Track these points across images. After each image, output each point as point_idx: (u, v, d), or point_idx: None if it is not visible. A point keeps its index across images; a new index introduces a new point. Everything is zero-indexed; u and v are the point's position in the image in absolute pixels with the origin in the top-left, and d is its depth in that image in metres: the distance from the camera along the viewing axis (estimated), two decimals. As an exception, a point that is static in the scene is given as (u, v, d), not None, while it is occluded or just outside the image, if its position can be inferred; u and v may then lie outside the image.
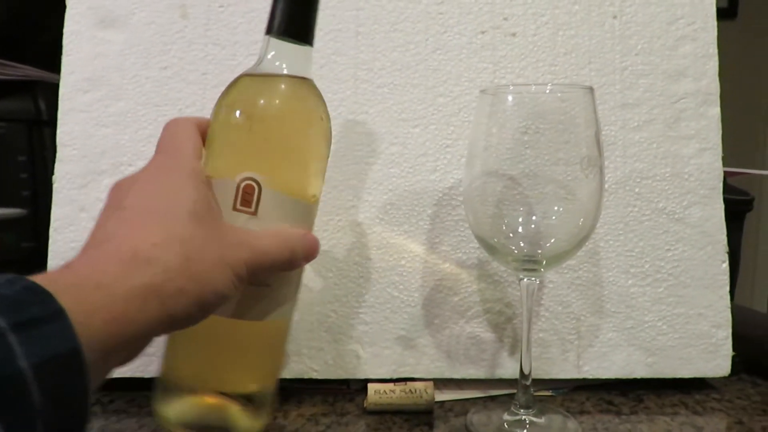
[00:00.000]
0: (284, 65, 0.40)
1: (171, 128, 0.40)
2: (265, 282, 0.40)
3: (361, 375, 0.52)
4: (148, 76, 0.53)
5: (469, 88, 0.54)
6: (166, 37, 0.53)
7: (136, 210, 0.35)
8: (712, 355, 0.54)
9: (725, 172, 0.79)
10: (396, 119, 0.54)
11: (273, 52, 0.40)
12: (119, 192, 0.36)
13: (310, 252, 0.41)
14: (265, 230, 0.38)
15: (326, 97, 0.52)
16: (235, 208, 0.39)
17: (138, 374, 0.51)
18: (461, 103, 0.54)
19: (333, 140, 0.53)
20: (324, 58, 0.54)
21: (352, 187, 0.53)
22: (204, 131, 0.40)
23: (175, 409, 0.42)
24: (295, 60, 0.41)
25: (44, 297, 0.27)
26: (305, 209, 0.42)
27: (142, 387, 0.52)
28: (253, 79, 0.41)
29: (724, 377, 0.54)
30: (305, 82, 0.42)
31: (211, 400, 0.42)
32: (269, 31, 0.40)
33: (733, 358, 0.55)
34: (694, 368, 0.54)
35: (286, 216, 0.40)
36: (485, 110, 0.44)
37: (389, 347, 0.53)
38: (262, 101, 0.40)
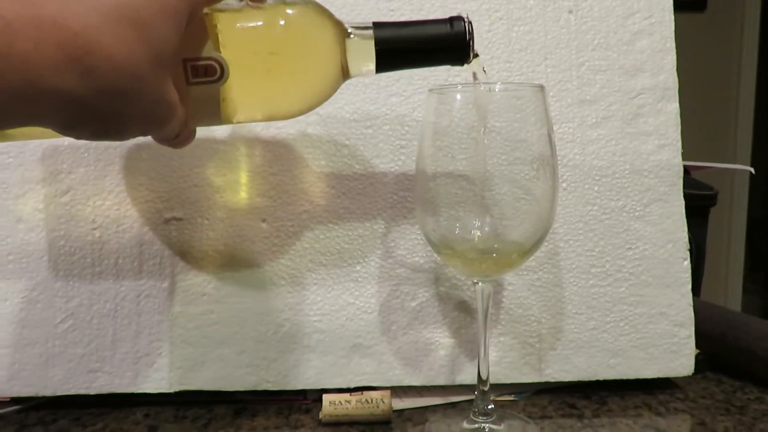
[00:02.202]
0: None
1: None
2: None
3: (317, 385, 0.51)
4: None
5: (422, 87, 0.52)
6: None
7: None
8: (675, 354, 0.53)
9: (691, 167, 0.78)
10: (348, 120, 0.52)
11: None
12: None
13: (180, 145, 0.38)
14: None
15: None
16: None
17: (83, 391, 0.49)
18: (414, 103, 0.52)
19: (283, 144, 0.51)
20: (272, 58, 0.52)
21: (304, 191, 0.51)
22: None
23: None
24: None
25: None
26: (213, 121, 0.39)
27: (87, 404, 0.50)
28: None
29: (689, 376, 0.53)
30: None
31: None
32: None
33: (698, 356, 0.55)
34: (657, 368, 0.53)
35: (197, 110, 0.37)
36: (433, 110, 0.42)
37: (345, 356, 0.51)
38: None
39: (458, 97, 0.42)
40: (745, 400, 0.52)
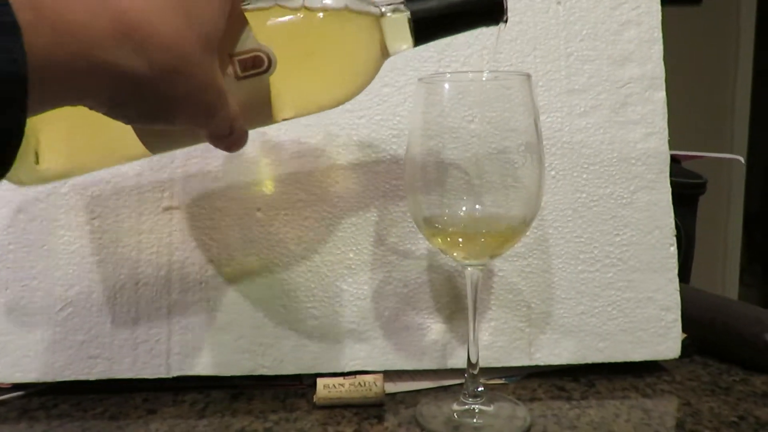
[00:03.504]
0: None
1: None
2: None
3: (312, 370, 0.52)
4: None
5: (414, 78, 0.53)
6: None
7: None
8: (662, 338, 0.54)
9: (681, 156, 0.80)
10: (341, 110, 0.53)
11: None
12: None
13: (234, 147, 0.38)
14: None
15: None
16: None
17: (83, 377, 0.51)
18: (407, 93, 0.53)
19: (278, 132, 0.52)
20: (266, 50, 0.53)
21: (298, 180, 0.52)
22: None
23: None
24: None
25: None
26: (265, 119, 0.39)
27: (88, 390, 0.51)
28: None
29: (676, 359, 0.55)
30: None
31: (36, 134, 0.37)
32: None
33: (685, 340, 0.56)
34: (645, 351, 0.54)
35: (249, 108, 0.37)
36: (423, 99, 0.43)
37: (340, 341, 0.52)
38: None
39: (447, 86, 0.43)
40: (730, 381, 0.53)
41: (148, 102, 0.31)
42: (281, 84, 0.38)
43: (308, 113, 0.41)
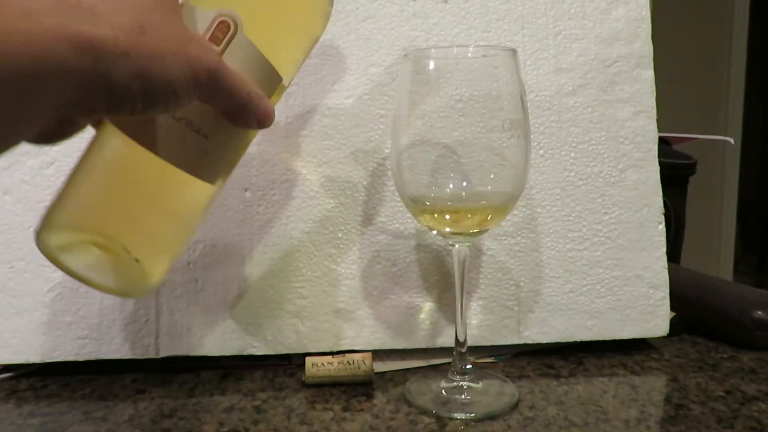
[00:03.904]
0: None
1: None
2: (204, 130, 0.37)
3: (301, 349, 0.52)
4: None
5: (401, 57, 0.53)
6: None
7: None
8: (650, 315, 0.54)
9: (672, 138, 0.80)
10: (328, 90, 0.53)
11: None
12: None
13: (265, 114, 0.37)
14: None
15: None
16: None
17: (71, 358, 0.51)
18: (394, 73, 0.53)
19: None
20: (252, 29, 0.53)
21: (285, 160, 0.52)
22: None
23: (62, 241, 0.36)
24: None
25: None
26: (271, 75, 0.39)
27: (77, 371, 0.51)
28: None
29: (664, 337, 0.55)
30: None
31: (103, 244, 0.37)
32: None
33: (674, 319, 0.56)
34: (633, 329, 0.54)
35: (250, 72, 0.37)
36: (409, 75, 0.43)
37: (329, 320, 0.52)
38: None
39: (432, 64, 0.43)
40: (718, 358, 0.53)
41: (134, 70, 0.29)
42: (268, 36, 0.37)
43: (303, 58, 0.41)
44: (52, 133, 0.35)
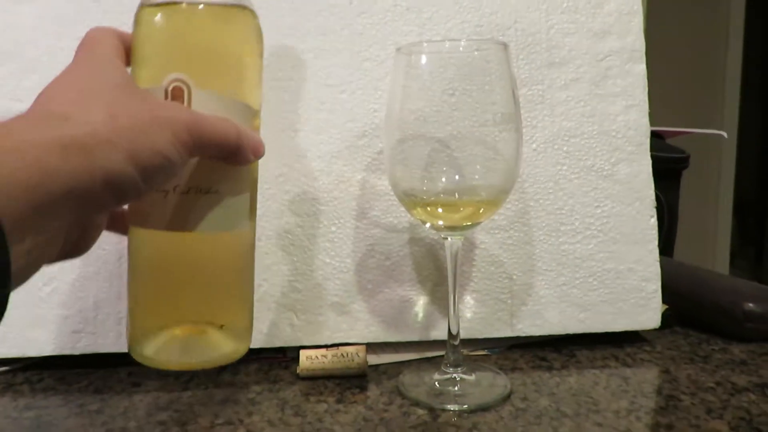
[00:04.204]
0: None
1: (90, 33, 0.38)
2: (213, 187, 0.38)
3: (296, 343, 0.52)
4: (62, 47, 0.51)
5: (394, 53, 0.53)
6: (79, 6, 0.52)
7: (55, 89, 0.33)
8: (642, 308, 0.55)
9: (665, 133, 0.80)
10: (322, 85, 0.53)
11: None
12: (37, 97, 0.34)
13: (258, 145, 0.39)
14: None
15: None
16: None
17: (67, 352, 0.51)
18: (388, 67, 0.53)
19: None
20: (246, 24, 0.53)
21: (280, 155, 0.53)
22: (127, 43, 0.39)
23: (152, 347, 0.40)
24: None
25: None
26: (243, 111, 0.40)
27: (73, 365, 0.51)
28: None
29: (656, 330, 0.55)
30: None
31: (185, 330, 0.40)
32: None
33: (666, 311, 0.56)
34: (625, 322, 0.55)
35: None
36: (402, 70, 0.44)
37: (323, 314, 0.53)
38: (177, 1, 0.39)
39: (425, 59, 0.43)
40: (709, 350, 0.54)
41: (122, 155, 0.31)
42: (221, 80, 0.39)
43: (259, 67, 0.43)
44: (77, 244, 0.37)
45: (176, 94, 0.37)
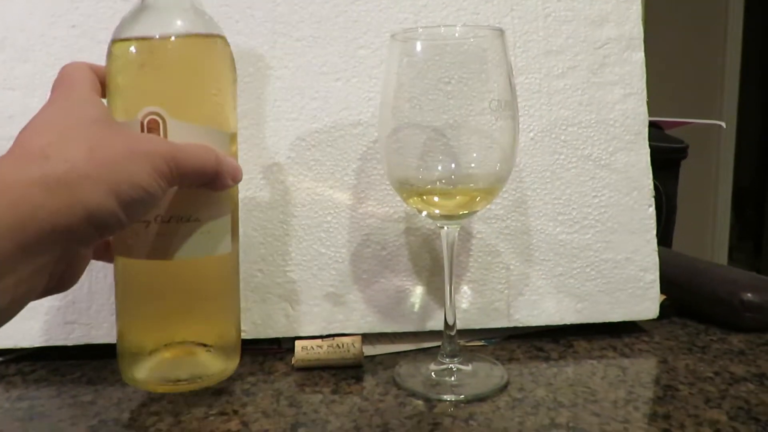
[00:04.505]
0: None
1: (65, 70, 0.39)
2: (193, 214, 0.40)
3: (291, 333, 0.52)
4: (55, 35, 0.51)
5: (389, 40, 0.53)
6: (71, -6, 0.51)
7: (35, 128, 0.34)
8: (640, 298, 0.54)
9: (664, 123, 0.79)
10: (316, 73, 0.53)
11: None
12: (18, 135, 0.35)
13: (236, 170, 0.40)
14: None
15: (243, 53, 0.52)
16: None
17: (60, 342, 0.50)
18: (383, 55, 0.53)
19: (253, 96, 0.52)
20: (239, 12, 0.52)
21: (274, 144, 0.52)
22: (101, 76, 0.40)
23: (143, 370, 0.42)
24: None
25: None
26: (219, 138, 0.41)
27: (66, 356, 0.51)
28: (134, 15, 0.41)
29: (654, 320, 0.55)
30: (193, 10, 0.41)
31: (174, 352, 0.42)
32: None
33: (664, 302, 0.56)
34: (623, 312, 0.54)
35: None
36: (396, 58, 0.43)
37: (318, 304, 0.52)
38: (148, 34, 0.40)
39: (420, 44, 0.43)
40: (707, 340, 0.53)
41: (102, 188, 0.32)
42: (195, 109, 0.40)
43: (234, 92, 0.44)
44: (63, 277, 0.37)
45: (152, 126, 0.38)
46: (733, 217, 2.69)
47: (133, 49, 0.39)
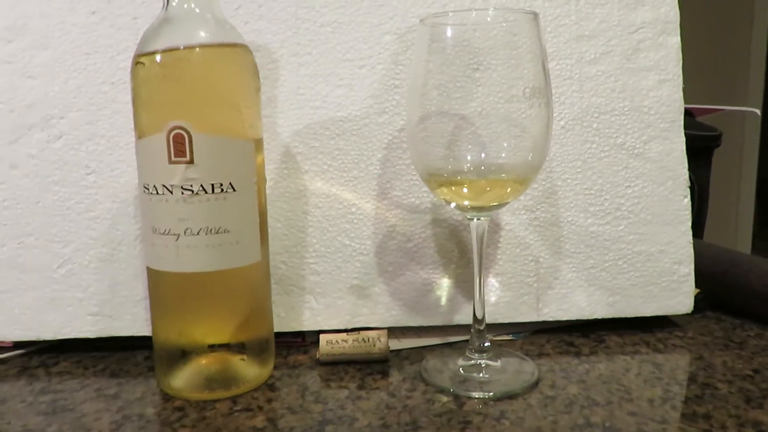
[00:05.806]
0: (193, 5, 0.41)
1: None
2: (222, 226, 0.40)
3: (315, 326, 0.51)
4: (74, 22, 0.50)
5: (416, 25, 0.51)
6: (91, -21, 0.50)
7: None
8: (674, 292, 0.53)
9: (695, 110, 0.77)
10: (341, 60, 0.51)
11: None
12: None
13: None
14: None
15: (266, 38, 0.50)
16: (171, 161, 0.39)
17: (83, 335, 0.50)
18: (409, 41, 0.51)
19: (275, 84, 0.51)
20: (262, -3, 0.51)
21: (298, 132, 0.51)
22: None
23: (179, 378, 0.42)
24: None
25: None
26: (244, 148, 0.41)
27: (90, 348, 0.50)
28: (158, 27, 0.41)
29: (688, 314, 0.53)
30: (214, 20, 0.41)
31: (209, 360, 0.43)
32: None
33: (697, 295, 0.54)
34: (656, 306, 0.53)
35: (224, 158, 0.40)
36: (425, 44, 0.41)
37: (342, 297, 0.51)
38: (172, 45, 0.40)
39: (449, 30, 0.41)
40: (744, 336, 0.52)
41: None
42: (221, 122, 0.40)
43: (257, 101, 0.44)
44: None
45: (178, 141, 0.39)
46: (756, 207, 2.64)
47: (157, 61, 0.39)
